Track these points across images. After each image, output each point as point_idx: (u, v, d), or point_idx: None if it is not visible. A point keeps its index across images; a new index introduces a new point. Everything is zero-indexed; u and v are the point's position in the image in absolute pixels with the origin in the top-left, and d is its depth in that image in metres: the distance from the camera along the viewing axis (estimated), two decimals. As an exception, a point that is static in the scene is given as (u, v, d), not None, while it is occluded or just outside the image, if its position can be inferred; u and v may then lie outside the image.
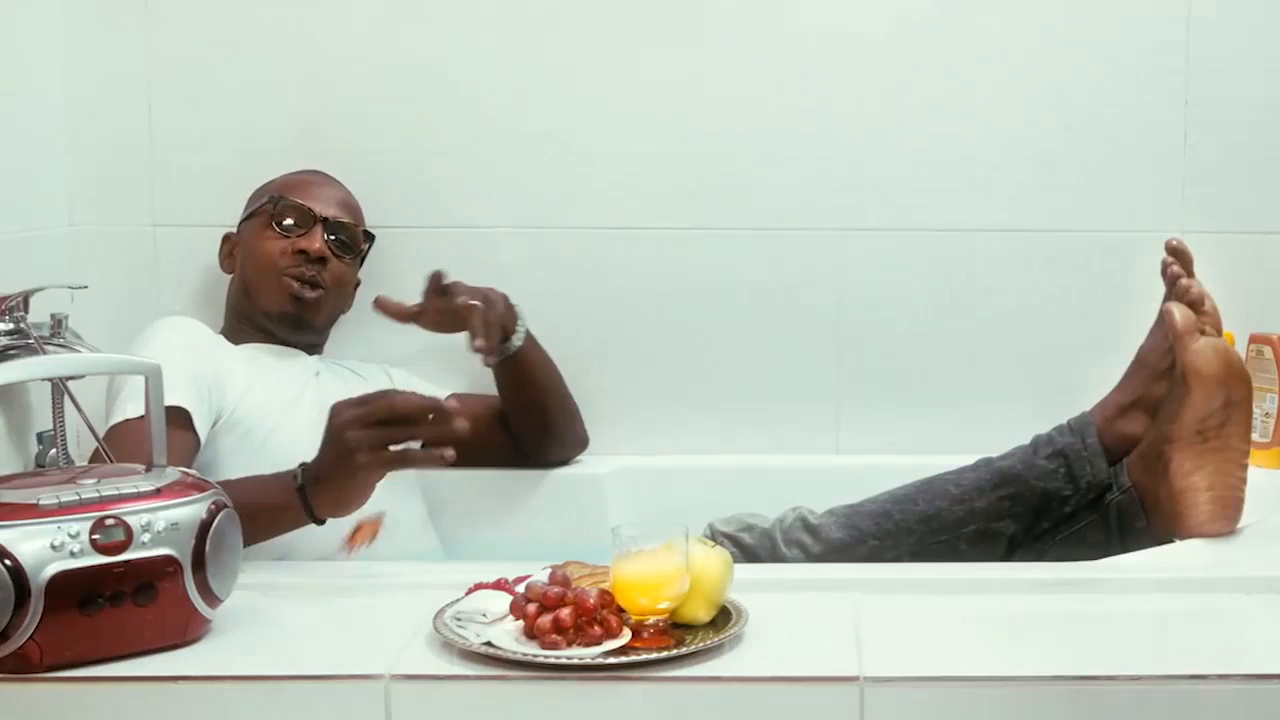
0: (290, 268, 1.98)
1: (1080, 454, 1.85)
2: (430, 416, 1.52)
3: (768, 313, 2.22)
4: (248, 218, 2.06)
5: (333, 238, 2.02)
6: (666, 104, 2.19)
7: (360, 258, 2.09)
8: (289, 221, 2.00)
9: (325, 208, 2.03)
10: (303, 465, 1.58)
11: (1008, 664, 1.36)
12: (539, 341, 2.06)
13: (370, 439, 1.51)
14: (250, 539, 1.47)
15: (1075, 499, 1.85)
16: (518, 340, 2.02)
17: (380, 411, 1.51)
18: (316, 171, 2.10)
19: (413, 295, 2.16)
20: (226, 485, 1.48)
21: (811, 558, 1.84)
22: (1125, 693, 1.31)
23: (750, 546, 1.87)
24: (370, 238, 2.09)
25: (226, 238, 2.10)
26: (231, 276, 2.07)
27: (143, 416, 1.45)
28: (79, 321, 1.87)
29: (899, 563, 1.80)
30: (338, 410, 1.54)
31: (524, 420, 2.11)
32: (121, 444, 1.70)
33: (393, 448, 1.53)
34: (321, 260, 1.99)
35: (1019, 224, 2.20)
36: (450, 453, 1.51)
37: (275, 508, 1.57)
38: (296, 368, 1.98)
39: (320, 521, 1.59)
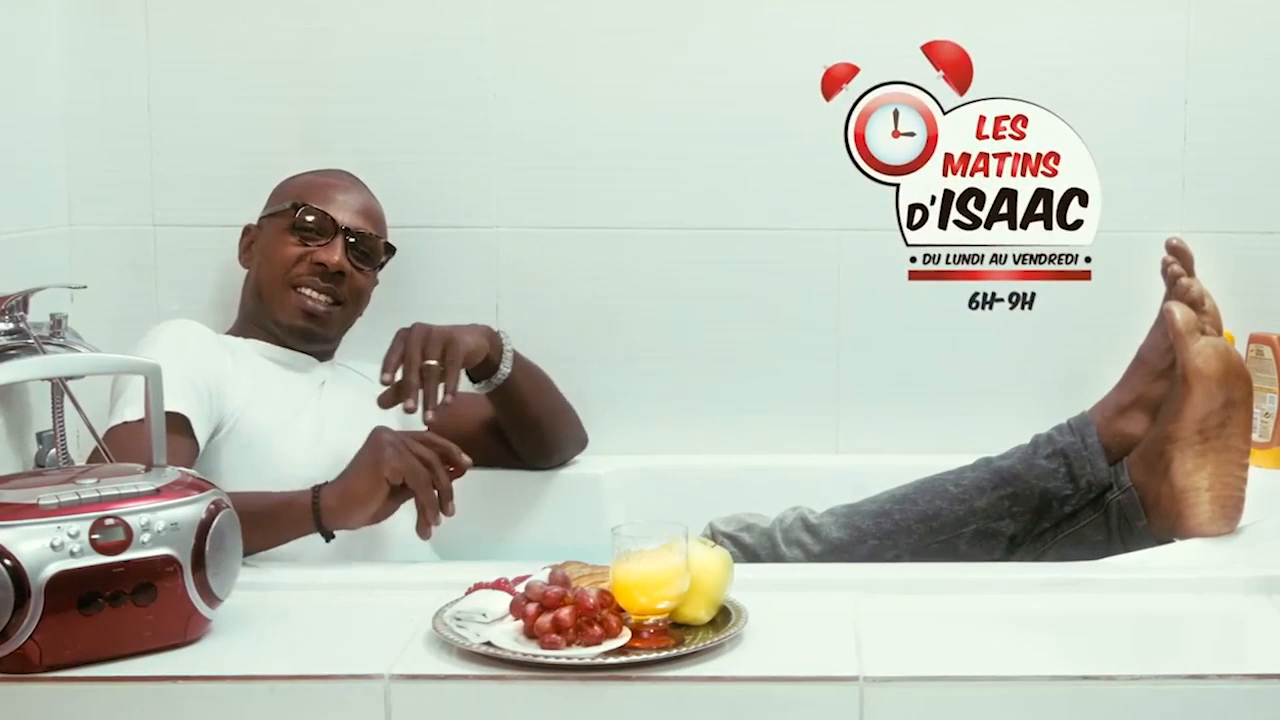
0: (306, 278, 1.95)
1: (1080, 453, 1.85)
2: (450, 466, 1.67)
3: (768, 313, 2.22)
4: (269, 215, 2.02)
5: (353, 248, 1.97)
6: (666, 104, 2.18)
7: (379, 267, 2.05)
8: (310, 229, 1.96)
9: (348, 217, 1.98)
10: (316, 486, 1.66)
11: (1008, 664, 1.36)
12: (529, 358, 2.03)
13: (405, 460, 1.63)
14: (255, 544, 1.52)
15: (1075, 499, 1.85)
16: (505, 368, 1.98)
17: (426, 450, 1.64)
18: (342, 173, 2.06)
19: (412, 295, 2.15)
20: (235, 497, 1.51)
21: (811, 558, 1.84)
22: (1125, 693, 1.31)
23: (750, 546, 1.87)
24: (391, 249, 2.05)
25: (247, 229, 2.06)
26: (248, 273, 2.03)
27: (142, 419, 1.45)
28: (79, 321, 1.87)
29: (899, 563, 1.80)
30: (381, 430, 1.68)
31: (523, 438, 2.09)
32: (120, 446, 1.69)
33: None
34: (340, 273, 1.96)
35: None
36: (450, 507, 1.65)
37: (281, 504, 1.64)
38: (302, 380, 1.94)
39: (326, 534, 1.65)
